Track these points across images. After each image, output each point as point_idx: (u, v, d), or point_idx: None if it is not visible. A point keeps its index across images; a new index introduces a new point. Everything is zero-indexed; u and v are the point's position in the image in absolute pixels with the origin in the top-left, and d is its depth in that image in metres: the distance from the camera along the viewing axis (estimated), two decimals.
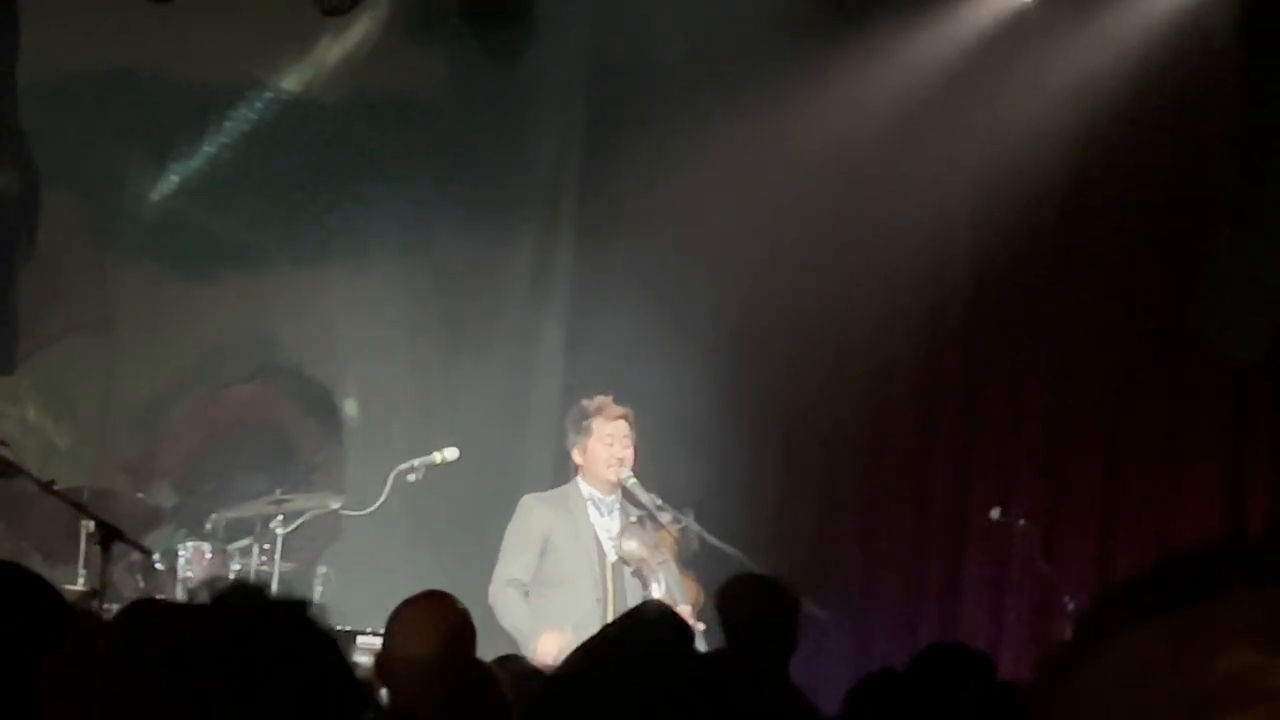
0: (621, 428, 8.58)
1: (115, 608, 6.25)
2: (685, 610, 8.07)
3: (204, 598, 2.43)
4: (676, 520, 8.55)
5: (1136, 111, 9.80)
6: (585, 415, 8.61)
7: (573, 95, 11.79)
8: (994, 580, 10.07)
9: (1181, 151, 9.75)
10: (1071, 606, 9.04)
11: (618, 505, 8.59)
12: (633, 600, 8.33)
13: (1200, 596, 1.29)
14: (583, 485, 8.59)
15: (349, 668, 2.46)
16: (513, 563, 8.43)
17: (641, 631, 5.16)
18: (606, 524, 8.56)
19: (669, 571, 8.40)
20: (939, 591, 10.31)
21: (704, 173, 10.83)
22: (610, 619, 8.25)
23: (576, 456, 8.62)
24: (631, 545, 8.46)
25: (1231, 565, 1.32)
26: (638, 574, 8.46)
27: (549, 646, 7.97)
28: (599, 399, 8.66)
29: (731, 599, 6.72)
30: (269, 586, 8.87)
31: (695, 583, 8.53)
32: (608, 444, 8.55)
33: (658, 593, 8.26)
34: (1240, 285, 9.14)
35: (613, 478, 8.54)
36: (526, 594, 8.37)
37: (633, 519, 8.51)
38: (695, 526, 8.58)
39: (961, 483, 10.29)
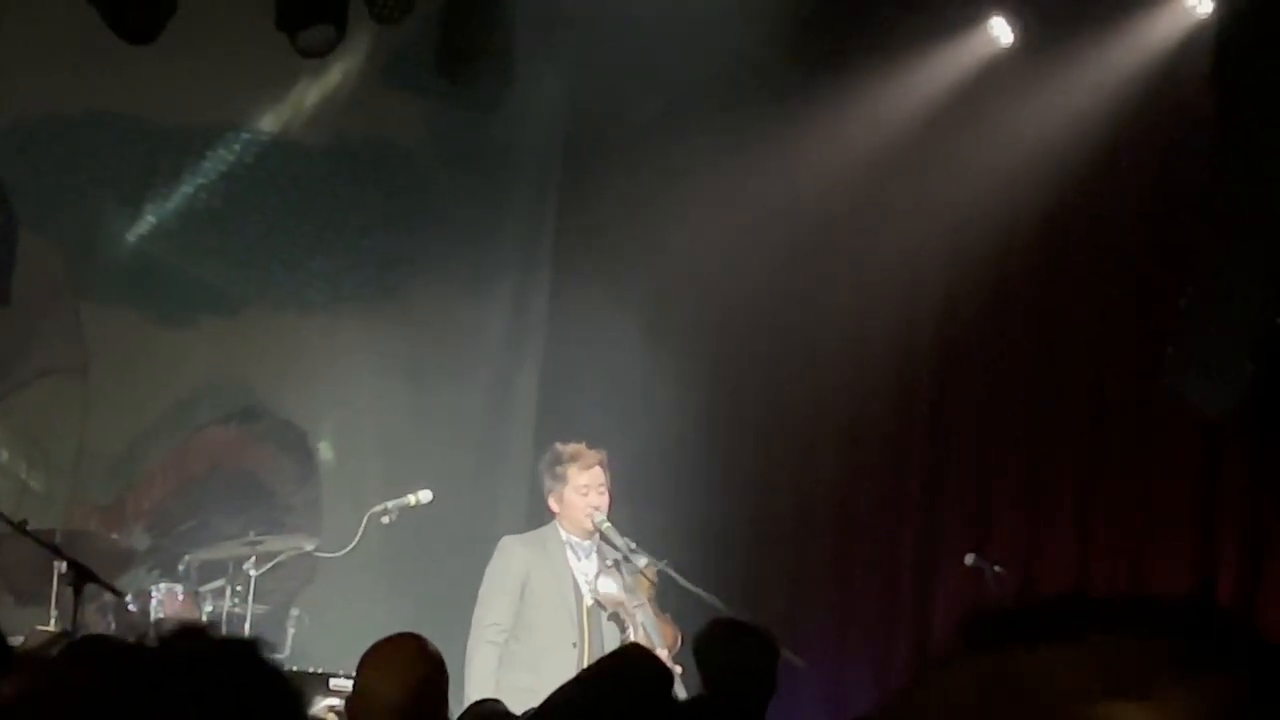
0: (598, 475, 8.58)
1: None
2: (662, 654, 8.06)
3: (152, 638, 2.43)
4: (652, 564, 8.54)
5: (1111, 158, 9.83)
6: (560, 462, 8.60)
7: (549, 143, 11.83)
8: None
9: (1155, 199, 9.77)
10: None
11: (595, 549, 8.58)
12: (609, 644, 8.32)
13: (1040, 640, 1.30)
14: (560, 530, 8.59)
15: (298, 708, 2.45)
16: (494, 608, 8.41)
17: (623, 674, 5.17)
18: (584, 568, 8.56)
19: (646, 615, 8.40)
20: (912, 637, 10.30)
21: (679, 220, 10.85)
22: (586, 663, 8.25)
23: (553, 503, 8.62)
24: (609, 588, 8.45)
25: (1089, 615, 1.32)
26: (615, 617, 8.45)
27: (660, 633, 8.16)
28: (573, 446, 8.65)
29: (710, 644, 6.71)
30: (219, 628, 8.88)
31: (671, 626, 8.52)
32: (583, 493, 8.54)
33: (635, 636, 8.25)
34: (1213, 336, 9.16)
35: (589, 525, 8.54)
36: (506, 640, 8.35)
37: (609, 562, 8.51)
38: (670, 571, 8.57)
39: (934, 529, 10.28)
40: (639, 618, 8.37)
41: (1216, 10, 9.47)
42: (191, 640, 2.45)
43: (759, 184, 10.75)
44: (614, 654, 5.69)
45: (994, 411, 10.24)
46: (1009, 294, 10.22)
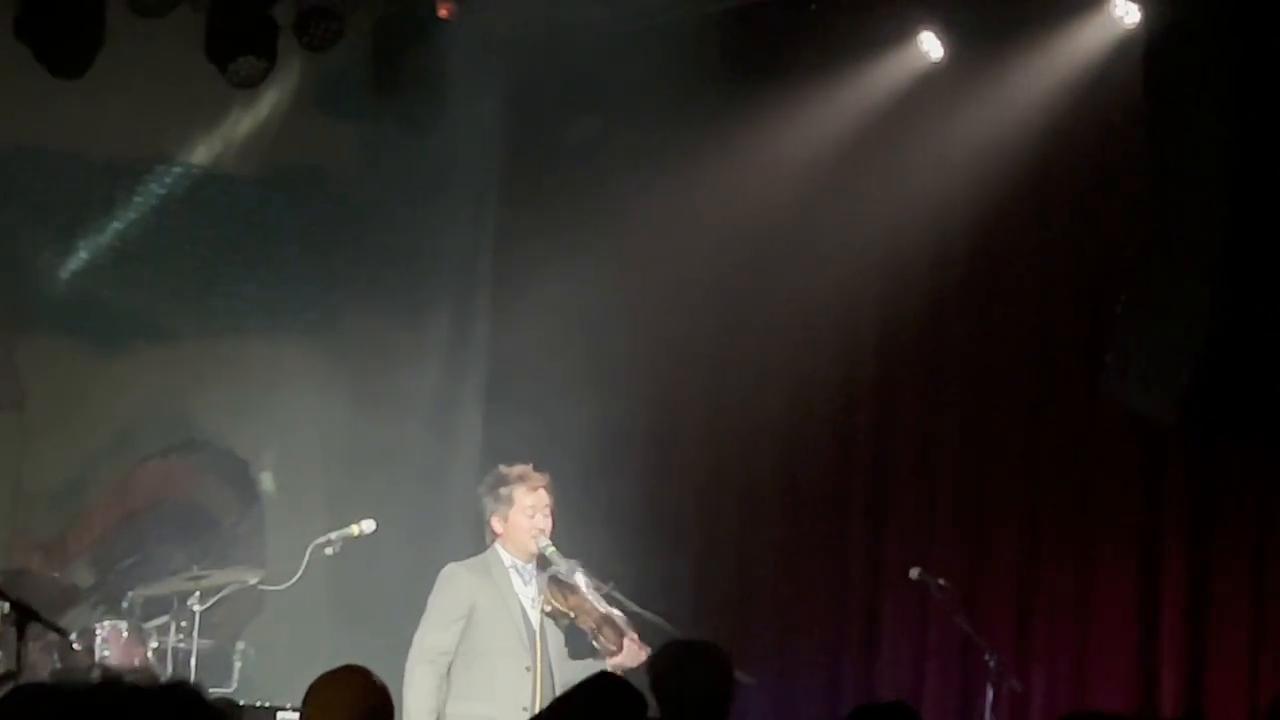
0: (543, 498, 8.54)
1: None
2: (630, 646, 8.23)
3: (92, 679, 2.42)
4: (598, 586, 8.53)
5: (1043, 168, 9.87)
6: (505, 483, 8.56)
7: (486, 166, 11.83)
8: (913, 640, 10.08)
9: (1088, 209, 9.82)
10: (992, 664, 9.06)
11: (537, 573, 8.56)
12: (559, 668, 8.33)
13: None
14: (503, 553, 8.55)
15: None
16: (437, 635, 8.36)
17: (596, 703, 5.19)
18: (529, 591, 8.53)
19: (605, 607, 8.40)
20: (858, 652, 10.32)
21: (617, 239, 10.87)
22: (540, 687, 8.24)
23: (496, 525, 8.56)
24: (557, 599, 8.44)
25: None
26: (570, 625, 8.42)
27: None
28: (519, 468, 8.61)
29: (665, 665, 6.70)
30: (162, 667, 8.84)
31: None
32: (529, 515, 8.50)
33: (601, 635, 8.29)
34: (1150, 343, 9.20)
35: (534, 548, 8.51)
36: (450, 667, 8.31)
37: (551, 573, 8.49)
38: (615, 594, 8.55)
39: (878, 545, 10.31)
40: (590, 623, 8.36)
41: (1144, 20, 9.52)
42: (130, 683, 2.44)
43: (697, 202, 10.77)
44: (585, 682, 5.67)
45: (935, 424, 10.26)
46: (946, 306, 10.25)
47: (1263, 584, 9.16)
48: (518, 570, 8.53)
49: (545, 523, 8.52)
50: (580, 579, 8.50)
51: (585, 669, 8.41)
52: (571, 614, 8.44)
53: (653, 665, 6.81)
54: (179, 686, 2.46)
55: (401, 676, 7.94)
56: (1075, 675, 9.58)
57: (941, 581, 9.19)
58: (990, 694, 9.07)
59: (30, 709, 2.46)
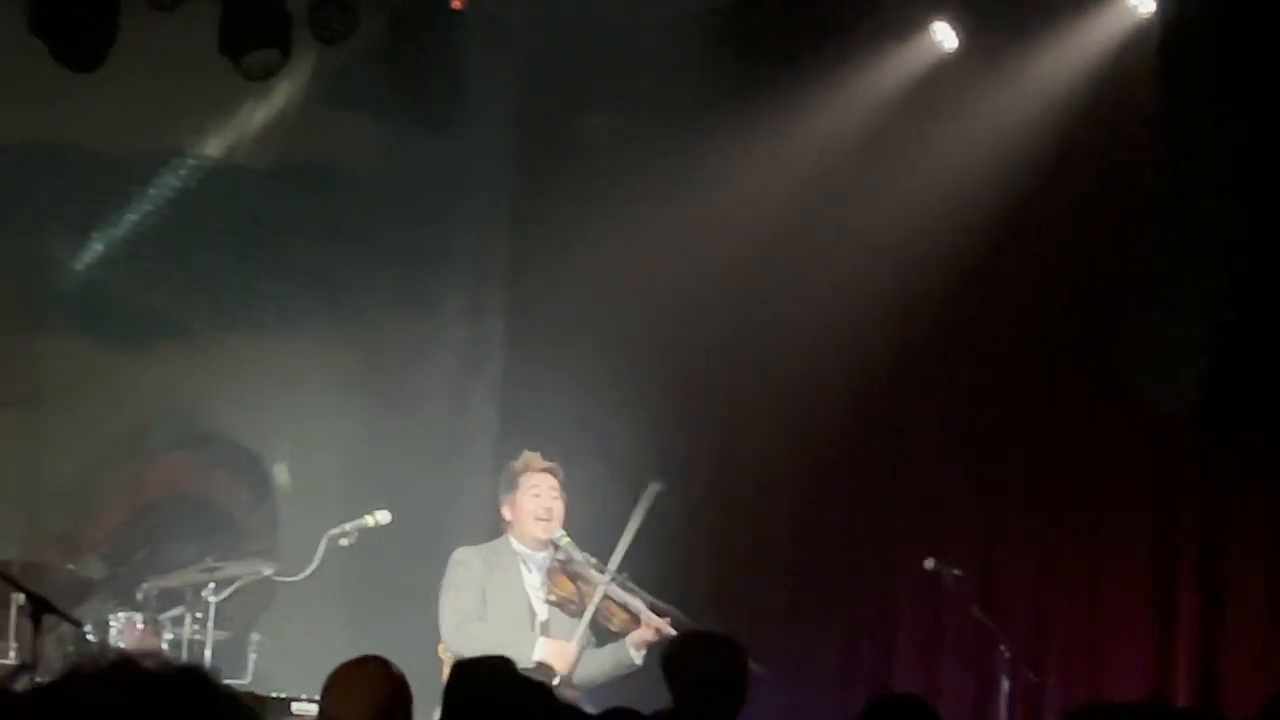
0: (548, 480, 8.59)
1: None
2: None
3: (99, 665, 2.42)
4: (613, 579, 8.53)
5: (1057, 159, 9.86)
6: (513, 472, 8.64)
7: (500, 160, 11.81)
8: (928, 630, 10.08)
9: (1102, 200, 9.82)
10: (1007, 655, 9.05)
11: (546, 564, 8.57)
12: (585, 658, 8.37)
13: None
14: (513, 541, 8.58)
15: None
16: (458, 600, 8.36)
17: None
18: (534, 581, 8.55)
19: (614, 591, 8.43)
20: (873, 643, 10.32)
21: (633, 235, 10.86)
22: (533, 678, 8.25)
23: (506, 513, 8.63)
24: (564, 586, 8.47)
25: None
26: (578, 612, 8.44)
27: (554, 653, 8.20)
28: (526, 454, 8.70)
29: (679, 657, 6.71)
30: (177, 655, 8.85)
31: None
32: (534, 494, 8.55)
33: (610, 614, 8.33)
34: (1164, 335, 9.20)
35: (540, 533, 8.52)
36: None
37: (556, 559, 8.51)
38: (631, 585, 8.57)
39: (892, 534, 10.31)
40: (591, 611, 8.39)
41: (1159, 9, 9.52)
42: (142, 668, 2.44)
43: (710, 194, 10.76)
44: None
45: (949, 416, 10.26)
46: (959, 299, 10.24)
47: (1277, 574, 9.16)
48: (525, 560, 8.54)
49: (552, 503, 8.55)
50: (592, 568, 8.51)
51: (611, 655, 8.45)
52: (578, 600, 8.46)
53: (666, 655, 6.83)
54: (190, 671, 2.45)
55: (417, 667, 7.92)
56: (1090, 666, 9.58)
57: (957, 572, 9.20)
58: (1006, 684, 9.07)
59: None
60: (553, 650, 8.31)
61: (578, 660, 8.37)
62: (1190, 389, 9.14)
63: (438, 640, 8.52)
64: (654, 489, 8.70)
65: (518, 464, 8.65)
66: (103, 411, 10.91)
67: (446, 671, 8.20)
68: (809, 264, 10.52)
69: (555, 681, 7.95)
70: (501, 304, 11.78)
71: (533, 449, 8.79)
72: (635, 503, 8.66)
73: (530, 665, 8.25)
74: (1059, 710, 9.46)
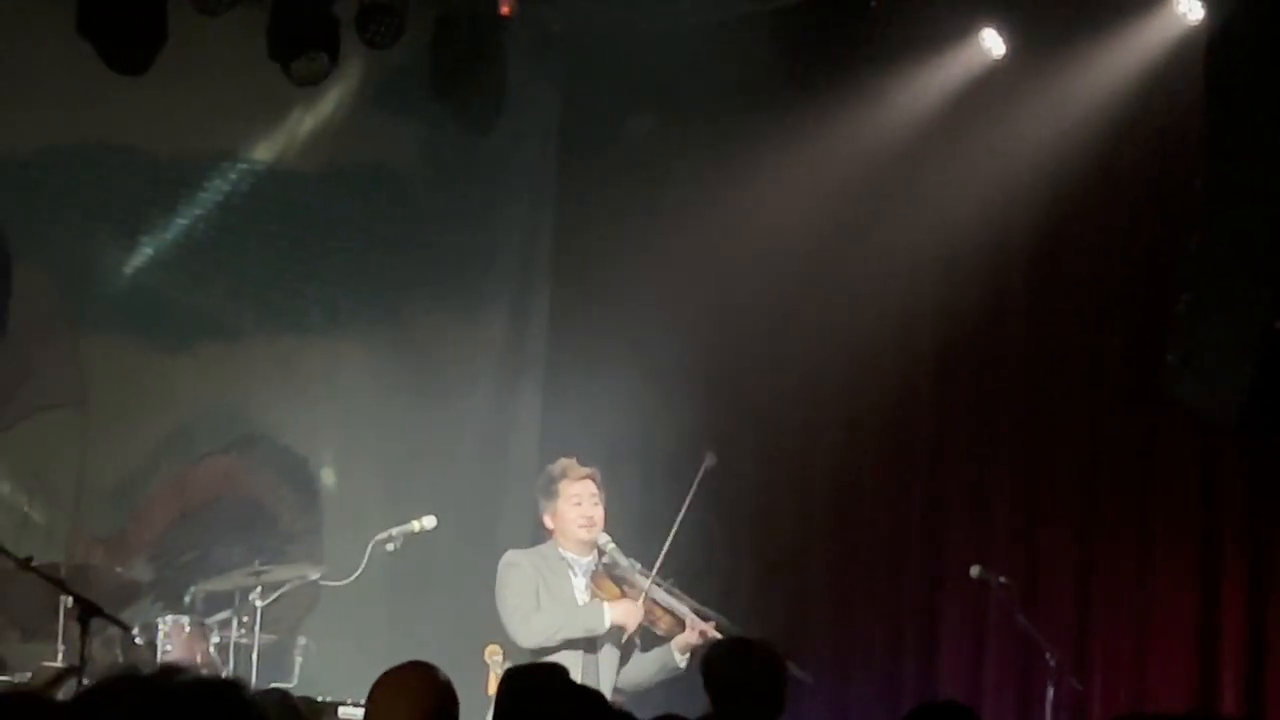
0: (588, 487, 8.59)
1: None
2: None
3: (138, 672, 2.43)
4: (656, 582, 8.54)
5: (1105, 165, 9.84)
6: (551, 479, 8.63)
7: (544, 162, 11.85)
8: (973, 638, 10.06)
9: (1150, 206, 9.78)
10: (1052, 663, 9.03)
11: (591, 568, 8.59)
12: (606, 668, 8.35)
13: None
14: (559, 548, 8.59)
15: None
16: (522, 599, 8.39)
17: None
18: (581, 585, 8.56)
19: (660, 595, 8.46)
20: (919, 650, 10.30)
21: (676, 236, 10.87)
22: (597, 681, 8.26)
23: (548, 521, 8.63)
24: (609, 590, 8.49)
25: None
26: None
27: (621, 612, 8.26)
28: (563, 461, 8.69)
29: (718, 663, 6.71)
30: (216, 664, 8.87)
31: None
32: (575, 503, 8.56)
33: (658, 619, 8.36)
34: (1211, 342, 9.16)
35: (584, 537, 8.54)
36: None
37: (603, 564, 8.53)
38: (675, 590, 8.57)
39: (938, 542, 10.28)
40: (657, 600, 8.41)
41: (1207, 16, 9.48)
42: (171, 679, 2.46)
43: (755, 198, 10.76)
44: None
45: (994, 422, 10.24)
46: (1005, 304, 10.22)
47: None
48: (572, 565, 8.56)
49: (593, 510, 8.56)
50: (636, 573, 8.53)
51: (656, 659, 8.47)
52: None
53: (706, 661, 6.83)
54: (225, 685, 2.47)
55: (462, 672, 7.92)
56: (1134, 675, 9.55)
57: (1002, 579, 9.17)
58: (1051, 693, 9.04)
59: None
60: (619, 611, 8.33)
61: (637, 630, 8.41)
62: (1238, 395, 9.09)
63: (483, 645, 8.54)
64: (709, 461, 8.73)
65: (555, 470, 8.63)
66: (150, 414, 10.95)
67: (494, 676, 8.31)
68: (853, 269, 10.50)
69: (624, 640, 8.01)
70: (544, 306, 11.80)
71: (569, 454, 8.79)
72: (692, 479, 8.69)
73: (591, 657, 8.31)
74: (1103, 718, 9.43)
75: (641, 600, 8.43)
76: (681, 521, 8.57)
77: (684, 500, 8.64)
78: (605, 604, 8.40)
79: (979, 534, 10.06)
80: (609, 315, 11.06)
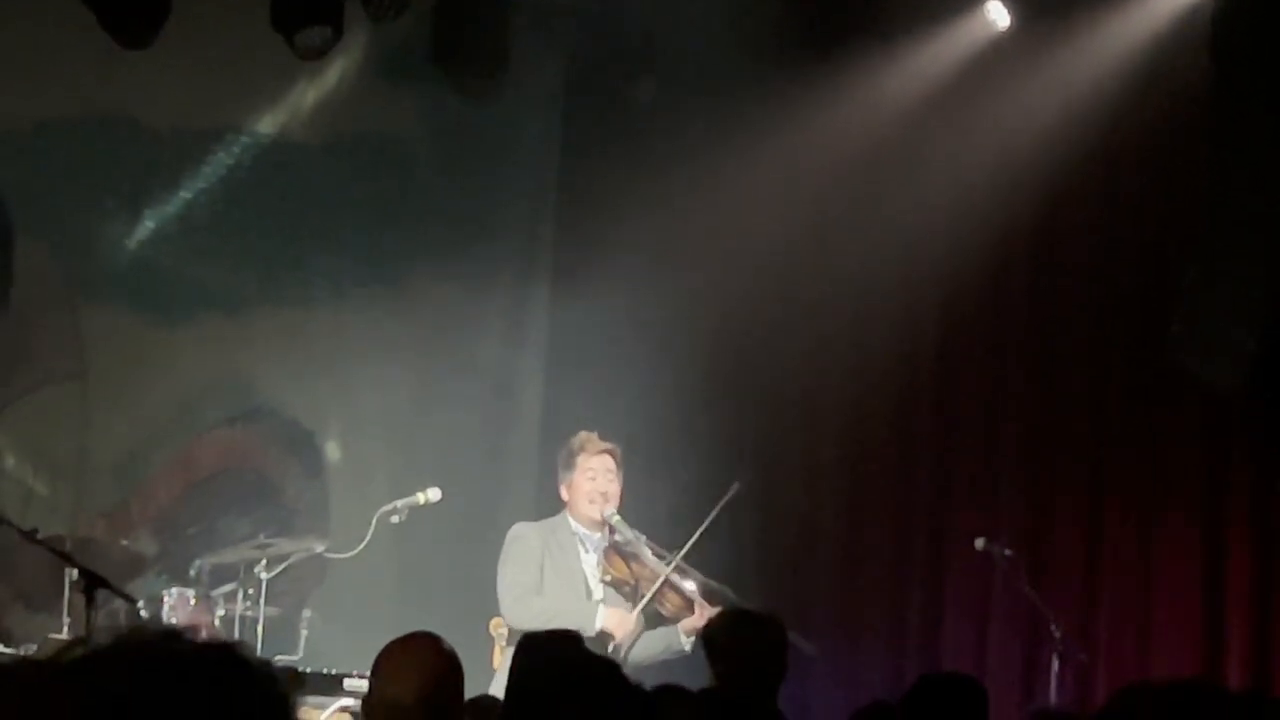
0: (605, 462, 8.61)
1: None
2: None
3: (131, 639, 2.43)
4: (661, 556, 8.55)
5: (1110, 137, 9.83)
6: (570, 452, 8.66)
7: (548, 133, 11.82)
8: (978, 609, 10.06)
9: (1155, 178, 9.78)
10: (1058, 634, 9.03)
11: (602, 544, 8.60)
12: (640, 642, 8.39)
13: None
14: (570, 520, 8.60)
15: (285, 711, 2.45)
16: (522, 576, 8.39)
17: None
18: (591, 561, 8.57)
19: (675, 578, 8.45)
20: (922, 621, 10.30)
21: (679, 209, 10.85)
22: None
23: (564, 493, 8.68)
24: (619, 567, 8.49)
25: None
26: (633, 593, 8.45)
27: (614, 620, 8.24)
28: (584, 434, 8.71)
29: (719, 634, 6.73)
30: (228, 632, 8.88)
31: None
32: (590, 477, 8.59)
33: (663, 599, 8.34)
34: (1216, 313, 9.15)
35: (596, 514, 8.55)
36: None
37: (612, 541, 8.53)
38: (680, 563, 8.57)
39: (943, 513, 10.28)
40: (666, 577, 8.40)
41: None
42: (172, 644, 2.45)
43: (758, 168, 10.74)
44: None
45: (998, 395, 10.24)
46: (1010, 276, 10.22)
47: None
48: (582, 540, 8.56)
49: (608, 487, 8.57)
50: (644, 548, 8.53)
51: (661, 638, 8.46)
52: (633, 581, 8.47)
53: (707, 630, 6.86)
54: (226, 648, 2.46)
55: (467, 642, 7.93)
56: (1140, 645, 9.55)
57: (1007, 551, 9.18)
58: (1056, 664, 9.05)
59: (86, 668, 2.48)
60: (612, 619, 8.32)
61: (636, 635, 8.38)
62: (1243, 364, 9.10)
63: (488, 616, 8.55)
64: (736, 489, 8.74)
65: (575, 443, 8.67)
66: (153, 387, 10.94)
67: (499, 647, 8.32)
68: (857, 241, 10.49)
69: (610, 649, 7.99)
70: (548, 275, 11.78)
71: (581, 423, 8.83)
72: (717, 500, 8.69)
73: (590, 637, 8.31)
74: (1109, 689, 9.44)
75: (638, 608, 8.41)
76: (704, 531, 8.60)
77: (706, 516, 8.65)
78: (601, 607, 8.40)
79: (984, 505, 10.06)
80: (613, 285, 11.04)
